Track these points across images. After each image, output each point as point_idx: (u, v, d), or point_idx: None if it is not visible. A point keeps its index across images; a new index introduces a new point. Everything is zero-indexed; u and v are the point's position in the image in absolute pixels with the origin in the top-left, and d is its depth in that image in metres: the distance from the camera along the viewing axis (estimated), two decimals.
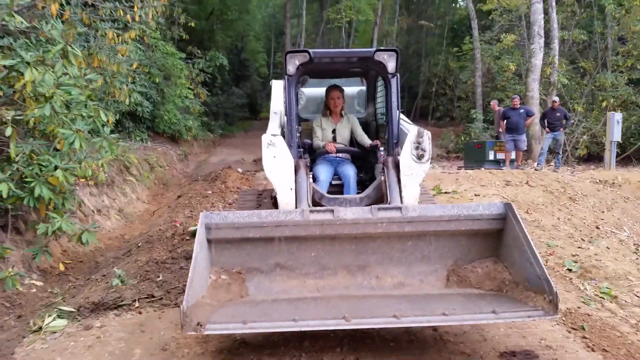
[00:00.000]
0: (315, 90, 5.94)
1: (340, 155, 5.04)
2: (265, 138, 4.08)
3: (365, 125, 5.57)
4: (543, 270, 2.97)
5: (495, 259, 3.57)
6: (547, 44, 15.57)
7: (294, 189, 4.08)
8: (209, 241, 3.50)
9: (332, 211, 3.57)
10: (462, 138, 18.37)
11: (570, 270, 5.09)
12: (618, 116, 13.39)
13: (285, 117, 4.56)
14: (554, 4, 14.90)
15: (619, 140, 13.64)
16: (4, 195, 4.66)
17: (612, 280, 4.78)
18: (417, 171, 4.14)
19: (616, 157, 14.25)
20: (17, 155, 5.01)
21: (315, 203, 4.24)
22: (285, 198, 4.07)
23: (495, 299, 3.22)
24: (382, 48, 4.37)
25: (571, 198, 9.83)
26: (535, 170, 11.93)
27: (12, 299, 4.78)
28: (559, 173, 11.86)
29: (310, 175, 4.37)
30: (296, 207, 3.95)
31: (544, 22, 15.81)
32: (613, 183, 11.33)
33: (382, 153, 4.60)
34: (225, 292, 3.43)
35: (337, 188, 4.88)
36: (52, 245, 5.90)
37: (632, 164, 15.75)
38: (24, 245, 5.65)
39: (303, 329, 2.85)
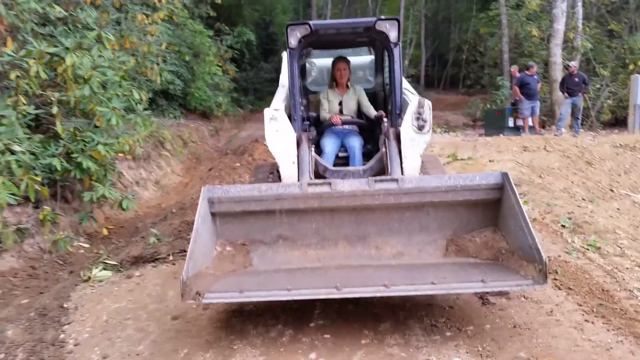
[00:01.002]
0: (327, 62, 5.85)
1: (346, 126, 5.07)
2: (267, 112, 4.14)
3: (373, 95, 5.57)
4: (534, 239, 2.98)
5: (495, 229, 3.56)
6: (573, 7, 15.40)
7: (296, 163, 4.13)
8: (214, 214, 3.61)
9: (329, 184, 3.62)
10: (488, 106, 18.38)
11: (563, 226, 5.46)
12: None
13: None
14: None
15: None
16: (58, 168, 5.36)
17: (600, 234, 5.14)
18: (418, 142, 4.10)
19: None
20: (63, 133, 5.67)
21: (319, 175, 4.26)
22: (288, 171, 4.15)
23: (488, 268, 3.24)
24: (383, 17, 4.30)
25: (588, 162, 9.98)
26: (555, 135, 12.07)
27: (64, 257, 5.50)
28: (579, 138, 11.95)
29: (313, 148, 4.41)
30: (298, 180, 3.99)
31: None
32: (634, 147, 11.33)
33: (385, 124, 4.60)
34: (229, 263, 3.55)
35: (343, 160, 4.92)
36: (96, 212, 6.63)
37: None
38: (72, 213, 6.36)
39: (295, 298, 2.95)
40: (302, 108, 4.79)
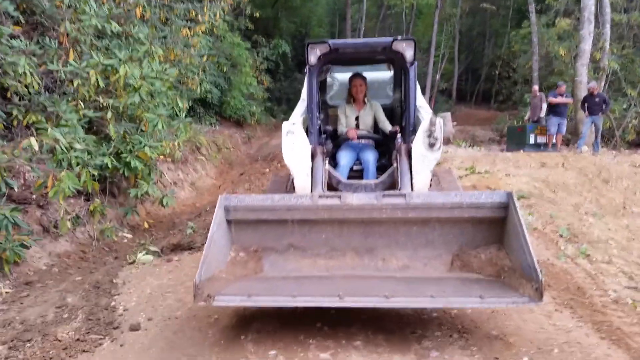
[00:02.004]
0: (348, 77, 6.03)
1: (362, 141, 5.25)
2: (285, 126, 4.33)
3: (391, 111, 5.78)
4: (533, 258, 3.04)
5: (499, 246, 3.61)
6: (602, 27, 15.63)
7: (309, 175, 4.29)
8: (229, 222, 3.78)
9: (339, 197, 3.74)
10: (515, 122, 18.70)
11: (561, 235, 5.90)
12: None
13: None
14: None
15: None
16: (109, 166, 6.12)
17: (593, 243, 5.56)
18: (429, 159, 4.20)
19: None
20: (114, 135, 6.43)
21: (333, 187, 4.43)
22: (302, 183, 4.30)
23: (489, 284, 3.30)
24: (399, 37, 4.39)
25: (604, 180, 10.23)
26: (575, 153, 12.37)
27: (110, 245, 6.24)
28: (598, 156, 12.23)
29: (327, 161, 4.59)
30: (311, 192, 4.16)
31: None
32: None
33: (399, 140, 4.69)
34: (242, 268, 3.70)
35: (358, 173, 5.07)
36: (139, 208, 7.39)
37: None
38: (117, 206, 7.12)
39: (299, 305, 3.09)
40: (319, 122, 4.95)
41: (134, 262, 5.24)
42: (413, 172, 4.20)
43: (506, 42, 32.77)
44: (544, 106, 13.67)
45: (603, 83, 15.33)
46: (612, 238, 5.80)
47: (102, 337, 3.47)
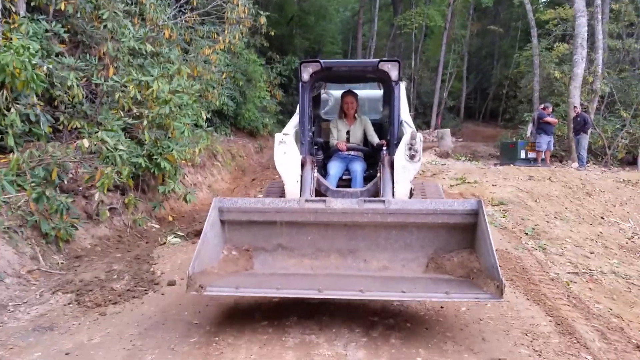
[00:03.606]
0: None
1: (352, 152, 5.64)
2: (277, 137, 4.73)
3: (380, 126, 6.16)
4: (495, 260, 3.30)
5: (471, 250, 3.88)
6: (594, 52, 16.65)
7: (299, 182, 4.62)
8: (223, 222, 4.07)
9: (324, 201, 4.03)
10: (515, 139, 19.68)
11: (526, 233, 6.88)
12: None
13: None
14: (599, 17, 15.95)
15: None
16: (142, 166, 7.22)
17: (552, 240, 6.54)
18: (409, 169, 4.56)
19: None
20: (148, 140, 7.53)
21: (321, 194, 4.75)
22: (292, 189, 4.64)
23: (458, 283, 3.58)
24: (385, 59, 4.72)
25: (588, 193, 11.08)
26: (574, 169, 13.28)
27: (141, 232, 7.31)
28: (585, 171, 13.13)
29: (316, 170, 4.91)
30: (300, 197, 4.40)
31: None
32: (636, 183, 12.26)
33: (384, 152, 5.00)
34: (233, 265, 3.98)
35: (347, 182, 5.44)
36: (164, 203, 8.48)
37: None
38: (147, 201, 8.21)
39: (281, 295, 3.45)
40: (310, 134, 5.31)
41: (164, 243, 6.33)
42: (394, 182, 4.58)
43: (514, 63, 33.82)
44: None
45: (595, 105, 16.27)
46: (570, 237, 6.77)
47: (147, 289, 4.56)
